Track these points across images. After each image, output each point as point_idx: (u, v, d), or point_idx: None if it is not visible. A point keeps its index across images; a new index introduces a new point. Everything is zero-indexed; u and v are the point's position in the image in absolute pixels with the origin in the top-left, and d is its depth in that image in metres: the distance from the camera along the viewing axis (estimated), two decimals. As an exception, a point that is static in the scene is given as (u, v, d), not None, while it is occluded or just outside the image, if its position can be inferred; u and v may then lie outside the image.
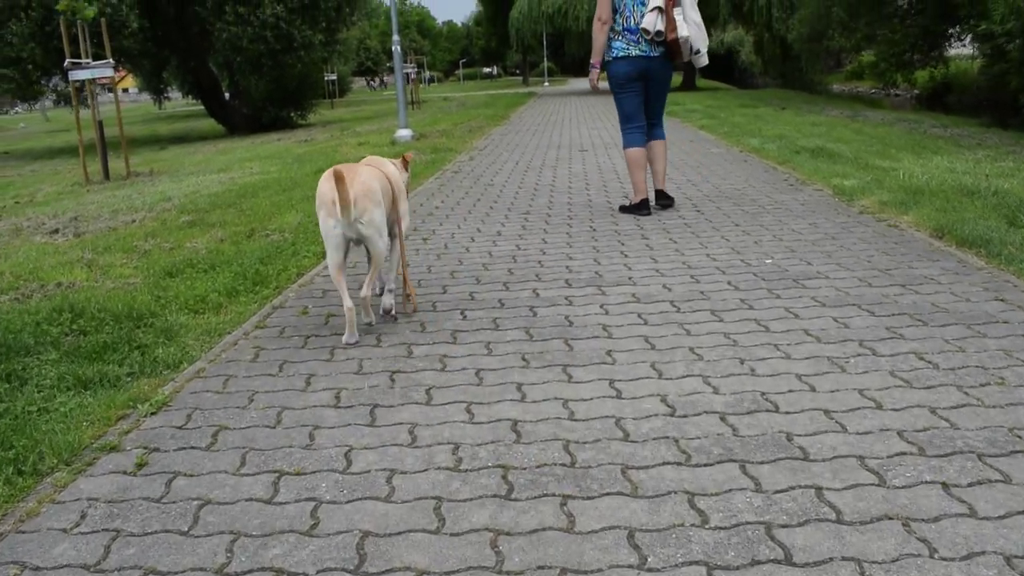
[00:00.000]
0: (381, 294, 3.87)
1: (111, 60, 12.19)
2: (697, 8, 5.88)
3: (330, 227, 3.41)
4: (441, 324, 3.64)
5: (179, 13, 23.68)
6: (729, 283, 4.05)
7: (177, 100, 58.78)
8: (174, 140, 26.42)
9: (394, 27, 13.63)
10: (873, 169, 7.59)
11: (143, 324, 3.94)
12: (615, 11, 5.86)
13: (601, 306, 3.75)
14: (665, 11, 5.64)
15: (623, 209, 6.17)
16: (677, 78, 38.34)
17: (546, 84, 55.66)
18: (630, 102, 5.99)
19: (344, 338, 3.46)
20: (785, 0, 29.01)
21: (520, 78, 74.47)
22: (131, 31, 20.04)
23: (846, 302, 3.65)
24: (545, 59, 64.31)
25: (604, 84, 6.39)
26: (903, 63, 17.15)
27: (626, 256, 4.72)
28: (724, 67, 55.58)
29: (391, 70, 43.20)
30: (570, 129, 14.67)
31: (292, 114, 25.56)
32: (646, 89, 5.96)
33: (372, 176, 3.51)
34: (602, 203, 6.60)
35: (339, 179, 3.27)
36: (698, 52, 5.85)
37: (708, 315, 3.56)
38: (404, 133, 13.41)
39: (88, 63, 11.85)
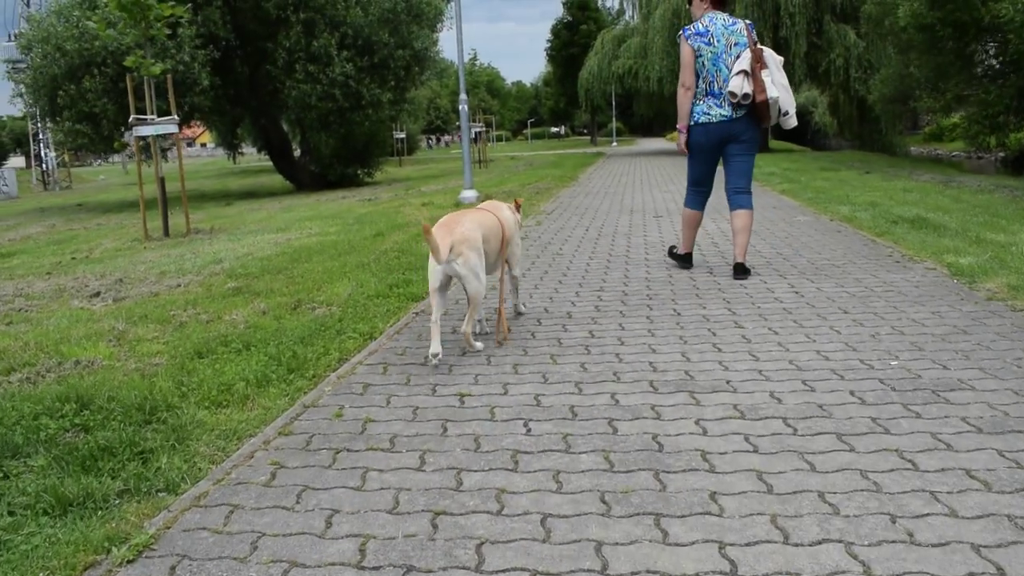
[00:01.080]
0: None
1: (175, 116, 12.02)
2: (783, 71, 5.84)
3: (433, 264, 4.03)
4: (500, 440, 2.97)
5: (252, 72, 23.98)
6: (852, 393, 3.31)
7: (251, 155, 60.16)
8: (243, 195, 26.59)
9: (461, 85, 13.28)
10: (987, 244, 6.76)
11: (155, 419, 3.38)
12: (698, 76, 5.87)
13: (696, 422, 3.05)
14: (752, 74, 5.65)
15: (671, 254, 6.59)
16: (749, 139, 37.57)
17: (614, 144, 55.38)
18: (699, 169, 6.14)
19: (431, 347, 3.97)
20: (863, 60, 28.22)
21: (588, 137, 74.48)
22: (202, 88, 20.21)
23: (1008, 427, 2.89)
24: (614, 119, 64.20)
25: None
26: (997, 125, 16.14)
27: (720, 351, 4.02)
28: (797, 128, 54.61)
29: (459, 128, 43.38)
30: (642, 192, 14.05)
31: (359, 172, 25.54)
32: (725, 153, 5.99)
33: (475, 224, 4.18)
34: (684, 280, 5.91)
35: (426, 231, 3.89)
36: (787, 114, 5.79)
37: (834, 440, 2.83)
38: (469, 194, 12.95)
39: (153, 119, 11.71)
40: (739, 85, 5.62)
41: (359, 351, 4.39)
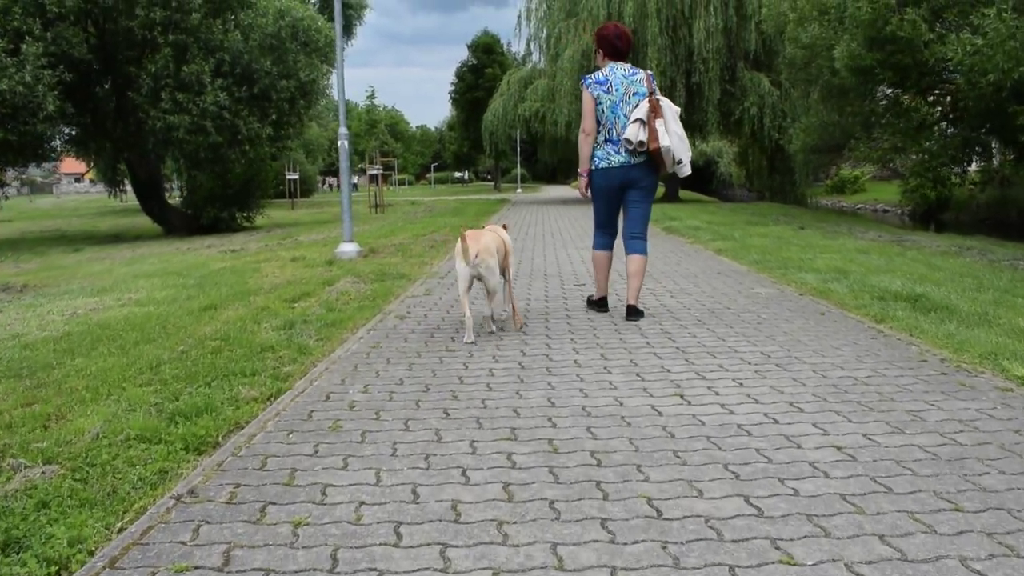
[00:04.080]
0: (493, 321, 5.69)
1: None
2: (679, 120, 5.99)
3: (462, 268, 5.22)
4: None
5: (119, 100, 21.18)
6: None
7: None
8: (108, 239, 23.55)
9: (341, 118, 11.01)
10: (1040, 341, 4.89)
11: None
12: (598, 123, 6.03)
13: None
14: (647, 122, 5.80)
15: (589, 302, 6.54)
16: (660, 189, 36.40)
17: (519, 190, 53.77)
18: (603, 211, 6.28)
19: (464, 337, 5.29)
20: (778, 109, 27.21)
21: (491, 183, 72.86)
22: (47, 115, 17.38)
23: None
24: (519, 165, 62.82)
25: None
26: (940, 179, 14.76)
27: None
28: (702, 178, 54.27)
29: (362, 171, 41.11)
30: (555, 249, 11.97)
31: (237, 215, 22.81)
32: (624, 199, 6.14)
33: (492, 239, 5.45)
34: (646, 416, 3.73)
35: (466, 238, 5.16)
36: (680, 162, 5.93)
37: None
38: (348, 249, 10.61)
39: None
40: (634, 133, 5.80)
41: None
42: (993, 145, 14.17)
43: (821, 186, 46.24)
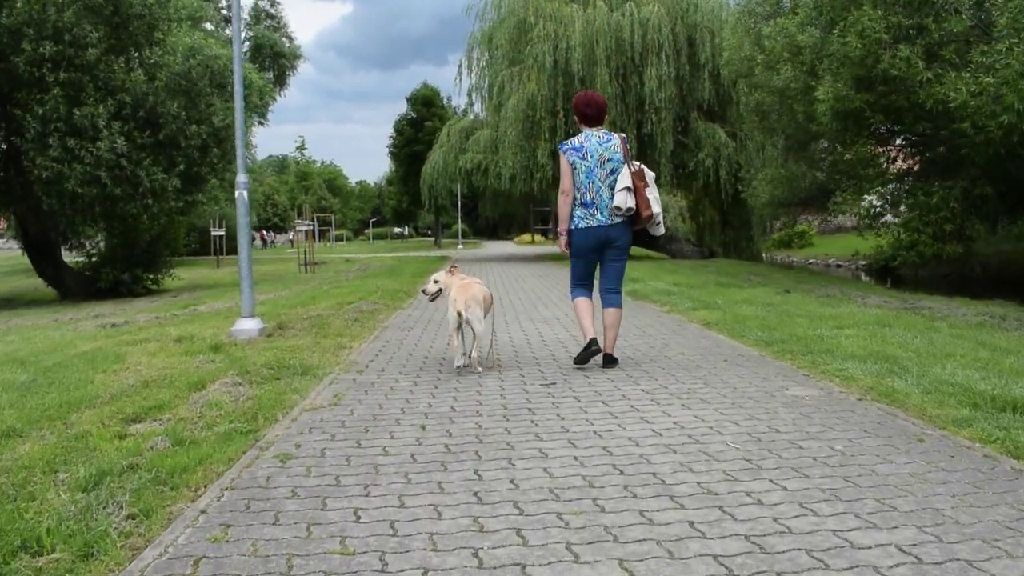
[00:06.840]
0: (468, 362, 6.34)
1: None
2: (656, 184, 6.30)
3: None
4: None
5: (9, 146, 18.76)
6: None
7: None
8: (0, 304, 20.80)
9: (240, 163, 8.82)
10: None
11: None
12: (575, 186, 6.22)
13: None
14: (636, 191, 6.06)
15: (577, 360, 6.38)
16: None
17: (460, 246, 51.81)
18: (582, 268, 6.48)
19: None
20: (733, 161, 25.80)
21: (431, 239, 70.85)
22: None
23: None
24: (459, 220, 60.96)
25: None
26: (941, 235, 13.09)
27: None
28: (648, 232, 53.04)
29: (295, 227, 38.72)
30: (507, 323, 9.85)
31: (143, 276, 20.27)
32: (602, 255, 6.35)
33: (478, 290, 6.25)
34: None
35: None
36: (659, 223, 6.28)
37: None
38: (247, 327, 8.33)
39: None
40: (623, 200, 6.02)
41: None
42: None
43: (767, 240, 45.29)
